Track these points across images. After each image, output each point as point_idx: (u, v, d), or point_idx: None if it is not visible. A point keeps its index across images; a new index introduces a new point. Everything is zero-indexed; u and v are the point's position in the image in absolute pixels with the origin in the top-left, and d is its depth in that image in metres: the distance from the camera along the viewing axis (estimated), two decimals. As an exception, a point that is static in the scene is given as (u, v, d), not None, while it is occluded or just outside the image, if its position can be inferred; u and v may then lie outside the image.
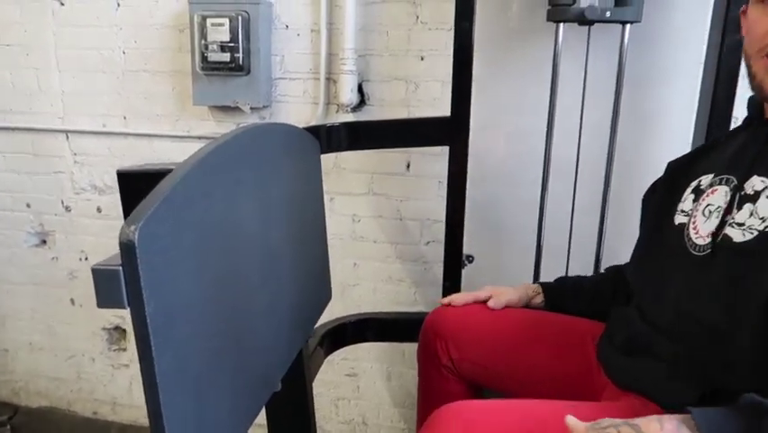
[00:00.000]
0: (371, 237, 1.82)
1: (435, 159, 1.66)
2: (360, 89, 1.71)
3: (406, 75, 1.68)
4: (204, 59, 1.68)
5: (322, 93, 1.71)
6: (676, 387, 0.81)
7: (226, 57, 1.67)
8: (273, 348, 0.95)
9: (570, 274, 1.54)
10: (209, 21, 1.65)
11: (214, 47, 1.67)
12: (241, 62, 1.67)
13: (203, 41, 1.66)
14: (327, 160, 1.75)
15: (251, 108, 1.74)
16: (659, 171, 1.08)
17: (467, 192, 1.49)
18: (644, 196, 1.10)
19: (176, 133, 1.85)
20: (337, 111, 1.73)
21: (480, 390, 1.20)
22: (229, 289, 0.77)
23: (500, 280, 1.68)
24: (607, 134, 1.42)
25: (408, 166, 1.73)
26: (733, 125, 1.30)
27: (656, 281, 0.93)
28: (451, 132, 1.41)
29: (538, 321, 1.14)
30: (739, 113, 1.24)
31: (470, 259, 1.61)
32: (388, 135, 1.52)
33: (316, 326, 1.45)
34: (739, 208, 0.81)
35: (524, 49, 1.55)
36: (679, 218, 0.92)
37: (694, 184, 0.94)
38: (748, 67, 0.85)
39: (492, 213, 1.67)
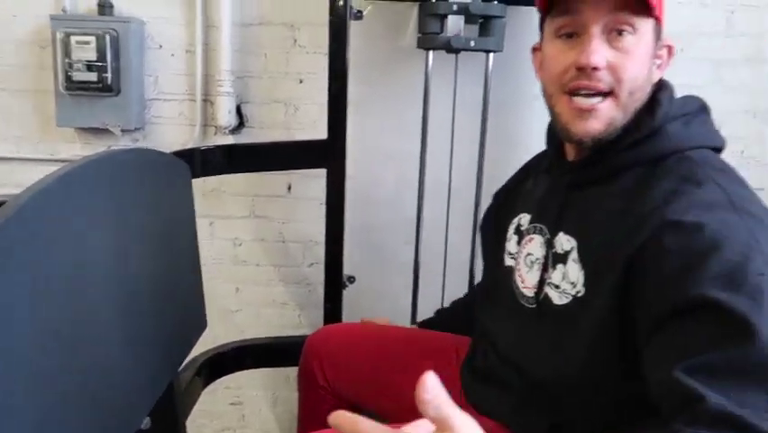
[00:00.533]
0: (254, 261, 1.78)
1: (316, 180, 1.67)
2: (239, 111, 1.68)
3: (285, 97, 1.68)
4: (68, 78, 1.58)
5: (198, 115, 1.67)
6: (528, 417, 0.82)
7: (93, 76, 1.58)
8: (134, 385, 0.91)
9: (446, 290, 1.60)
10: (73, 38, 1.56)
11: (80, 66, 1.57)
12: (109, 82, 1.59)
13: (66, 60, 1.57)
14: (206, 183, 1.71)
15: (123, 130, 1.65)
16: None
17: (347, 214, 1.50)
18: (481, 225, 1.10)
19: (38, 156, 1.72)
20: (215, 133, 1.69)
21: (359, 411, 1.20)
22: (75, 328, 0.72)
23: (381, 299, 1.72)
24: (476, 158, 1.50)
25: (290, 188, 1.73)
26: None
27: (497, 322, 0.93)
28: (327, 154, 1.42)
29: (414, 340, 1.14)
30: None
31: (352, 280, 1.63)
32: (265, 158, 1.51)
33: (194, 356, 1.40)
34: (554, 268, 0.79)
35: (398, 73, 1.60)
36: (507, 260, 0.92)
37: (515, 222, 0.93)
38: (551, 107, 0.80)
39: (372, 233, 1.70)
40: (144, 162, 1.03)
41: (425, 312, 1.56)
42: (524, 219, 0.90)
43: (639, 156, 0.73)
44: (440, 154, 1.55)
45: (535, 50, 0.86)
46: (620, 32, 0.72)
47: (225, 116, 1.63)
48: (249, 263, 1.79)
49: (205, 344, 1.53)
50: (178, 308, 1.12)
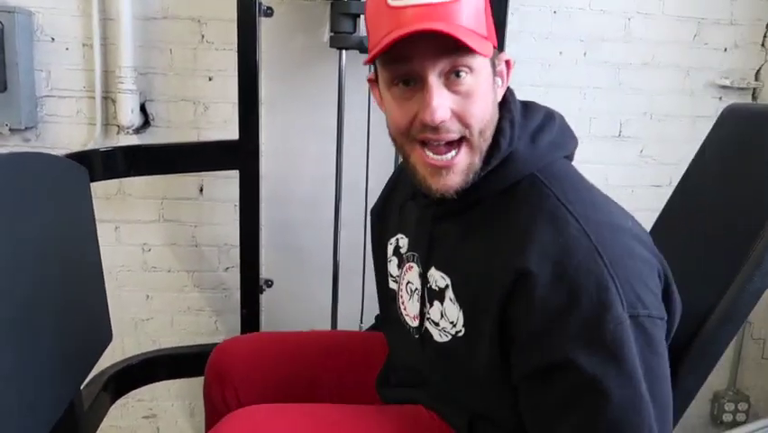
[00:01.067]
0: (165, 267, 1.70)
1: (230, 182, 1.61)
2: (143, 110, 1.59)
3: (194, 95, 1.60)
4: (-55, 72, 1.44)
5: (99, 113, 1.56)
6: (447, 409, 0.82)
7: (-25, 71, 1.44)
8: (30, 405, 0.83)
9: (366, 291, 1.59)
10: (-50, 29, 1.42)
11: (-41, 59, 1.43)
12: (-6, 77, 1.46)
13: (-58, 52, 1.42)
14: (109, 186, 1.60)
15: (11, 130, 1.52)
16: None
17: (262, 215, 1.46)
18: (371, 240, 1.02)
19: None
20: (118, 133, 1.59)
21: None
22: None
23: (300, 302, 1.69)
24: (392, 156, 1.50)
25: (201, 190, 1.66)
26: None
27: (394, 339, 0.93)
28: (240, 155, 1.37)
29: (328, 349, 1.05)
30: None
31: (270, 283, 1.59)
32: (173, 160, 1.44)
33: (100, 370, 1.32)
34: (431, 303, 0.77)
35: (311, 72, 1.57)
36: (391, 283, 0.90)
37: (393, 243, 0.89)
38: (403, 154, 0.73)
39: (289, 236, 1.67)
40: (35, 168, 0.95)
41: (346, 314, 1.55)
42: (402, 242, 0.87)
43: (493, 185, 0.71)
44: (356, 153, 1.53)
45: (371, 80, 0.78)
46: (458, 74, 0.66)
47: (128, 115, 1.54)
48: (159, 269, 1.70)
49: (114, 356, 1.45)
50: (79, 321, 1.05)
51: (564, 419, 0.63)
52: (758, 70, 1.73)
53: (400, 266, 0.87)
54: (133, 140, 1.58)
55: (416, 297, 0.80)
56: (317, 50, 1.53)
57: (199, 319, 1.74)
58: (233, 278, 1.69)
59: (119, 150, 1.35)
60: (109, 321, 1.22)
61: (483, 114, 0.69)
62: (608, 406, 0.60)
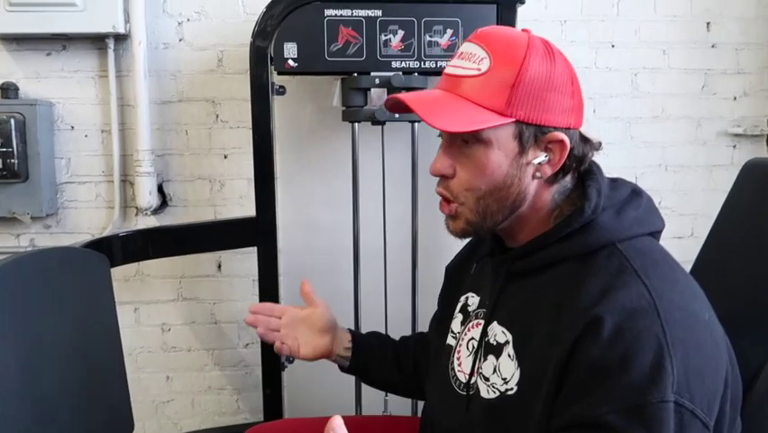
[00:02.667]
0: (185, 346, 1.68)
1: (247, 257, 1.61)
2: (161, 190, 1.61)
3: (210, 174, 1.63)
4: (-29, 165, 1.47)
5: (117, 196, 1.58)
6: None
7: (-2, 162, 1.48)
8: None
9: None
10: (-25, 124, 1.46)
11: (-17, 152, 1.47)
12: (16, 168, 1.49)
13: (-33, 147, 1.46)
14: (128, 267, 1.61)
15: (33, 218, 1.54)
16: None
17: (281, 288, 1.45)
18: (447, 270, 1.03)
19: (-62, 249, 1.57)
20: (137, 214, 1.61)
21: None
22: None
23: (323, 378, 1.64)
24: (409, 223, 1.50)
25: (220, 267, 1.66)
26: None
27: (436, 399, 0.89)
28: (257, 232, 1.37)
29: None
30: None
31: (291, 360, 1.56)
32: (191, 240, 1.44)
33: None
34: (485, 358, 0.76)
35: (325, 146, 1.59)
36: (450, 339, 0.89)
37: (462, 301, 0.90)
38: None
39: (309, 308, 1.64)
40: (56, 262, 0.95)
41: (370, 399, 1.51)
42: (471, 300, 0.87)
43: (571, 249, 0.71)
44: (373, 222, 1.53)
45: None
46: (466, 141, 0.71)
47: (146, 197, 1.55)
48: (179, 349, 1.68)
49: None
50: (99, 414, 1.03)
51: None
52: (770, 117, 1.73)
53: (464, 323, 0.86)
54: (152, 221, 1.60)
55: (474, 354, 0.79)
56: (330, 123, 1.55)
57: (221, 398, 1.70)
58: (254, 354, 1.66)
59: (138, 233, 1.37)
60: (130, 410, 1.19)
61: (481, 183, 0.72)
62: None
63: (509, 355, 0.72)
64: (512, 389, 0.71)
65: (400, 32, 1.35)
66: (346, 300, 1.52)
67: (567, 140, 0.70)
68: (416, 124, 1.46)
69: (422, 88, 1.39)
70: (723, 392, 0.65)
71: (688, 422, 0.60)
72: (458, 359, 0.84)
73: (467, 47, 0.73)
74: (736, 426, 0.69)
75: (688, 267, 1.04)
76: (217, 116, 1.61)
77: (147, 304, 1.65)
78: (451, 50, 1.36)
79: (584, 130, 0.76)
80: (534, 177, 0.72)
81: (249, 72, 1.33)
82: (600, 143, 0.76)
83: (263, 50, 1.32)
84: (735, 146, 1.72)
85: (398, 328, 1.53)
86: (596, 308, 0.63)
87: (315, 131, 1.58)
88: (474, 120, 0.69)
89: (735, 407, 0.68)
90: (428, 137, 1.53)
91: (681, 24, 1.67)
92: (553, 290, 0.70)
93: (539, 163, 0.71)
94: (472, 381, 0.78)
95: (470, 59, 0.71)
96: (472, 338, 0.82)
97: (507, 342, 0.73)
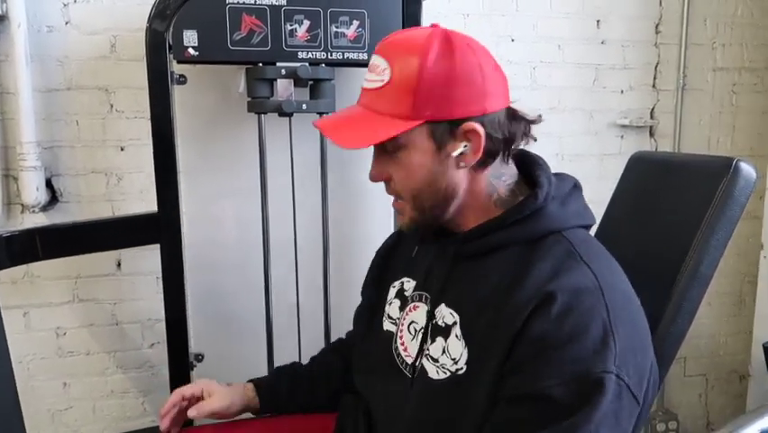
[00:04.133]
0: (83, 350, 1.58)
1: (150, 253, 1.53)
2: (49, 185, 1.50)
3: (105, 167, 1.53)
4: None
5: (0, 193, 1.45)
6: None
7: None
8: None
9: (303, 354, 1.55)
10: None
11: None
12: None
13: None
14: (15, 268, 1.48)
15: None
16: (371, 244, 1.09)
17: (188, 285, 1.40)
18: (373, 263, 1.03)
19: None
20: (23, 212, 1.49)
21: None
22: None
23: (235, 373, 1.60)
24: (320, 215, 1.49)
25: (119, 265, 1.57)
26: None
27: (372, 390, 0.90)
28: (160, 228, 1.31)
29: None
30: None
31: (200, 357, 1.51)
32: (86, 239, 1.35)
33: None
34: (433, 340, 0.78)
35: (231, 138, 1.54)
36: (387, 324, 0.90)
37: (397, 285, 0.91)
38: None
39: (219, 304, 1.60)
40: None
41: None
42: (408, 284, 0.89)
43: (521, 234, 0.75)
44: (282, 215, 1.50)
45: None
46: (386, 150, 0.76)
47: (33, 193, 1.44)
48: (77, 353, 1.58)
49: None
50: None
51: None
52: (652, 109, 1.87)
53: (402, 308, 0.88)
54: (41, 218, 1.49)
55: (419, 336, 0.81)
56: (235, 114, 1.50)
57: (125, 402, 1.63)
58: (160, 354, 1.60)
59: (24, 233, 1.26)
60: (21, 421, 1.11)
61: (410, 182, 0.76)
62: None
63: (457, 336, 0.75)
64: (462, 368, 0.73)
65: (306, 22, 1.33)
66: (257, 295, 1.49)
67: (479, 127, 0.73)
68: (324, 115, 1.44)
69: (329, 80, 1.38)
70: (649, 372, 0.71)
71: (624, 395, 0.65)
72: (402, 344, 0.85)
73: (374, 59, 0.76)
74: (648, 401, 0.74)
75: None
76: (112, 106, 1.51)
77: (38, 308, 1.54)
78: (358, 42, 1.36)
79: (518, 106, 0.78)
80: (458, 167, 0.75)
81: (145, 60, 1.26)
82: (540, 116, 0.81)
83: (161, 37, 1.25)
84: (622, 136, 1.85)
85: (310, 321, 1.53)
86: (548, 285, 0.68)
87: (219, 122, 1.52)
88: (378, 132, 0.72)
89: (654, 391, 0.74)
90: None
91: (574, 21, 1.76)
92: (499, 273, 0.74)
93: (460, 154, 0.74)
94: (417, 363, 0.80)
95: (376, 72, 0.74)
96: (413, 321, 0.84)
97: (454, 323, 0.76)
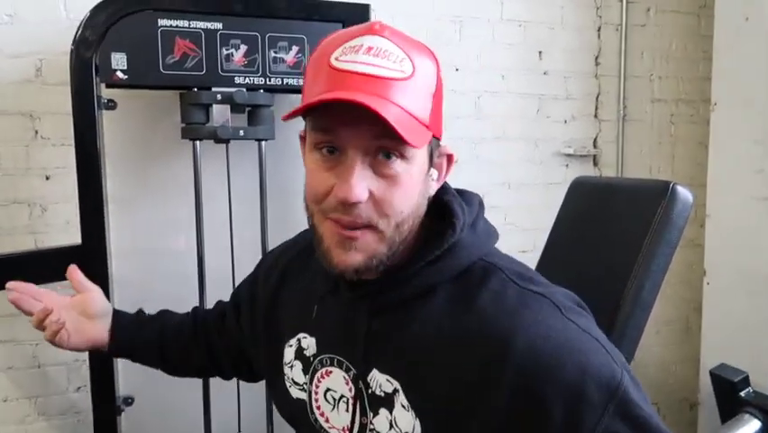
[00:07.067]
0: (0, 396, 1.45)
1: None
2: (-35, 217, 1.39)
3: (28, 197, 1.43)
4: None
5: None
6: None
7: None
8: None
9: (242, 395, 1.47)
10: None
11: None
12: None
13: None
14: None
15: None
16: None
17: (117, 324, 1.30)
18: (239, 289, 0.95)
19: None
20: (-67, 246, 1.37)
21: None
22: None
23: (169, 417, 1.51)
24: (259, 246, 1.43)
25: (42, 302, 1.45)
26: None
27: None
28: (85, 261, 1.22)
29: None
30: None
31: (129, 401, 1.41)
32: (3, 274, 1.23)
33: None
34: (374, 412, 0.66)
35: (164, 166, 1.48)
36: (295, 391, 0.77)
37: (294, 344, 0.77)
38: (312, 223, 0.64)
39: (150, 343, 1.50)
40: None
41: (222, 423, 1.41)
42: (306, 342, 0.75)
43: (441, 274, 0.64)
44: (219, 246, 1.44)
45: (302, 137, 0.68)
46: (388, 155, 0.59)
47: (-55, 225, 1.33)
48: (-8, 400, 1.45)
49: None
50: None
51: None
52: (595, 138, 1.90)
53: (307, 372, 0.74)
54: (-46, 253, 1.37)
55: (343, 407, 0.69)
56: (169, 141, 1.44)
57: (46, 453, 1.49)
58: (86, 399, 1.47)
59: (-71, 269, 1.15)
60: None
61: (403, 206, 0.61)
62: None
63: (403, 406, 0.64)
64: None
65: (243, 47, 1.29)
66: (192, 332, 1.41)
67: (454, 155, 0.66)
68: (263, 142, 1.39)
69: (268, 106, 1.34)
70: None
71: (636, 381, 0.60)
72: (321, 415, 0.73)
73: (374, 41, 0.59)
74: None
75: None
76: (37, 132, 1.42)
77: (-53, 351, 1.41)
78: (297, 68, 1.33)
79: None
80: (427, 193, 0.65)
81: (69, 83, 1.19)
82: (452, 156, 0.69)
83: (86, 60, 1.19)
84: (567, 165, 1.87)
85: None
86: (515, 338, 0.59)
87: (152, 149, 1.45)
88: (422, 132, 0.59)
89: None
90: (276, 155, 1.48)
91: (516, 52, 1.78)
92: (433, 322, 0.63)
93: (433, 180, 0.65)
94: None
95: (388, 58, 0.58)
96: (330, 390, 0.72)
97: (395, 390, 0.65)
